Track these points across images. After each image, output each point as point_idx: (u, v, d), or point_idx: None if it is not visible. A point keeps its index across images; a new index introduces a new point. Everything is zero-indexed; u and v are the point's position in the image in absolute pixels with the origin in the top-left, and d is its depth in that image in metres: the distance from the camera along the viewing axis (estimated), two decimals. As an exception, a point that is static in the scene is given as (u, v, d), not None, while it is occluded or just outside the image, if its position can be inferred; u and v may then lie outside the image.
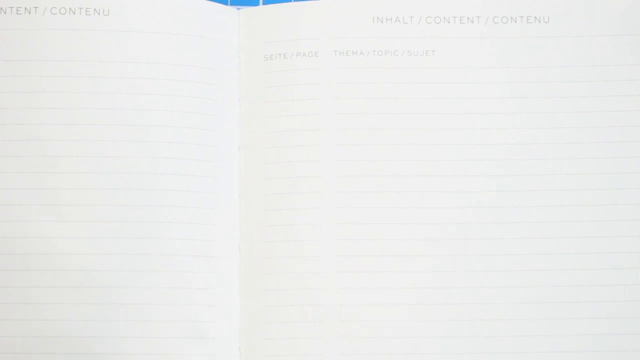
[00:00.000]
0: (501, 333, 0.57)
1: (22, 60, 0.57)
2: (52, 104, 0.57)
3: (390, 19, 0.59)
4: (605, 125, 0.58)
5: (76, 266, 0.55)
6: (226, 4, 0.61)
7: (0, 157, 0.56)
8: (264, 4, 0.61)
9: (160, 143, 0.57)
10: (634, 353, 0.56)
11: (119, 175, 0.56)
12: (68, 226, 0.56)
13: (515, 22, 0.59)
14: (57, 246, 0.55)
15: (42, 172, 0.56)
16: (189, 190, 0.57)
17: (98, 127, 0.57)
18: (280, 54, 0.59)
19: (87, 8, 0.58)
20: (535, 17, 0.59)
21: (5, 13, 0.57)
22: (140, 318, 0.55)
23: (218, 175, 0.58)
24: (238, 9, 0.60)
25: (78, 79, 0.57)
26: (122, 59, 0.57)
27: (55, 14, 0.57)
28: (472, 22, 0.59)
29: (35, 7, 0.57)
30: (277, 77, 0.59)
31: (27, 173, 0.56)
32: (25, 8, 0.57)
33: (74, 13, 0.58)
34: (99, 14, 0.58)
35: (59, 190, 0.56)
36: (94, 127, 0.57)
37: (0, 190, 0.56)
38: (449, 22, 0.59)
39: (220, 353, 0.56)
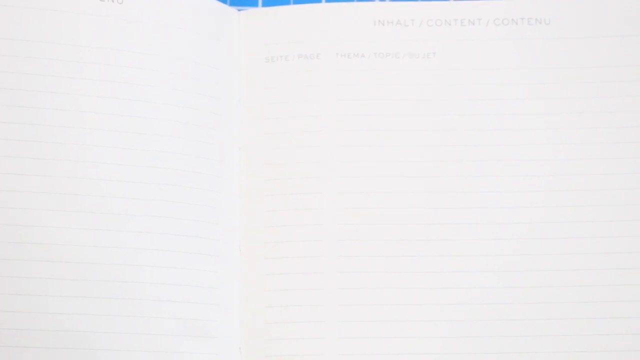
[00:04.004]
0: (503, 333, 0.57)
1: (27, 41, 0.56)
2: (54, 88, 0.56)
3: (392, 22, 0.60)
4: (606, 126, 0.59)
5: (77, 259, 0.55)
6: (226, 4, 0.61)
7: (1, 141, 0.55)
8: (262, 5, 0.61)
9: (163, 137, 0.57)
10: None
11: (120, 167, 0.56)
12: (70, 217, 0.55)
13: (517, 24, 0.59)
14: (56, 238, 0.55)
15: (44, 159, 0.55)
16: (191, 187, 0.57)
17: (100, 115, 0.56)
18: (281, 56, 0.59)
19: None
20: (536, 19, 0.59)
21: None
22: (141, 314, 0.55)
23: (219, 174, 0.58)
24: (239, 9, 0.60)
25: (84, 64, 0.56)
26: (131, 49, 0.57)
27: None
28: (473, 24, 0.59)
29: None
30: (278, 79, 0.59)
31: (30, 159, 0.55)
32: None
33: None
34: (112, 1, 0.57)
35: (61, 179, 0.55)
36: (97, 115, 0.56)
37: (1, 175, 0.55)
38: (449, 25, 0.59)
39: (220, 353, 0.56)
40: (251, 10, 0.60)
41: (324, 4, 0.60)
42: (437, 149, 0.58)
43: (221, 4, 0.60)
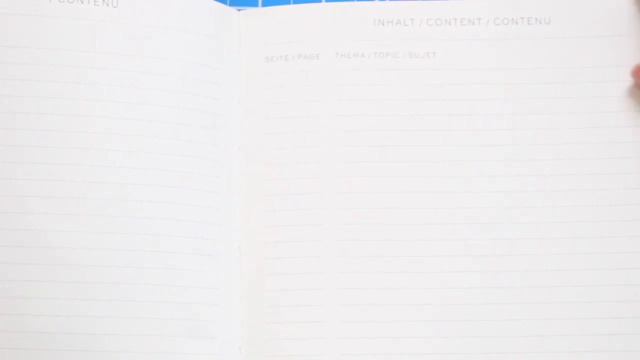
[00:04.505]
0: (501, 333, 0.57)
1: (25, 47, 0.56)
2: (54, 93, 0.56)
3: (392, 21, 0.59)
4: (607, 125, 0.58)
5: (78, 261, 0.55)
6: (225, 4, 0.61)
7: (3, 147, 0.55)
8: (262, 5, 0.61)
9: (163, 137, 0.57)
10: None
11: (120, 169, 0.56)
12: (70, 220, 0.55)
13: (517, 23, 0.59)
14: (59, 240, 0.55)
15: (43, 163, 0.56)
16: (191, 187, 0.57)
17: (99, 118, 0.56)
18: (281, 56, 0.59)
19: None
20: (536, 19, 0.59)
21: None
22: (142, 315, 0.55)
23: (219, 174, 0.58)
24: (239, 9, 0.60)
25: (83, 69, 0.56)
26: (128, 52, 0.57)
27: (63, 1, 0.57)
28: (473, 23, 0.59)
29: None
30: (278, 79, 0.59)
31: (30, 163, 0.55)
32: None
33: (82, 2, 0.57)
34: (107, 5, 0.57)
35: (61, 182, 0.55)
36: (95, 118, 0.56)
37: (4, 180, 0.55)
38: (450, 24, 0.59)
39: (220, 353, 0.56)
40: (251, 10, 0.60)
41: (324, 4, 0.60)
42: (437, 148, 0.58)
43: (221, 4, 0.60)
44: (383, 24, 0.60)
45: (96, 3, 0.57)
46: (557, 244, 0.57)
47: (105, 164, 0.56)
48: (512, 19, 0.59)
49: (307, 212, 0.58)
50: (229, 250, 0.58)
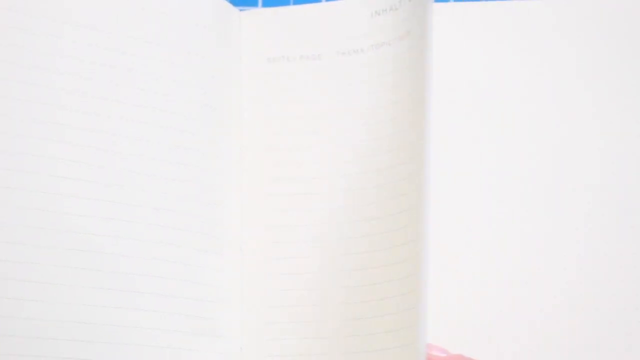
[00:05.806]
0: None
1: (38, 23, 0.56)
2: (61, 85, 0.55)
3: (386, 9, 0.58)
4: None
5: (90, 248, 0.54)
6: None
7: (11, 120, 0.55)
8: (262, 5, 0.61)
9: (164, 136, 0.57)
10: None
11: (124, 159, 0.56)
12: (81, 203, 0.55)
13: None
14: (75, 225, 0.54)
15: (52, 141, 0.55)
16: (192, 187, 0.57)
17: (103, 114, 0.56)
18: (283, 56, 0.59)
19: None
20: None
21: None
22: (146, 308, 0.55)
23: (220, 174, 0.58)
24: (240, 9, 0.60)
25: (86, 64, 0.56)
26: (130, 51, 0.57)
27: None
28: None
29: None
30: (280, 79, 0.59)
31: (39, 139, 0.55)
32: None
33: None
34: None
35: (72, 162, 0.55)
36: (101, 113, 0.56)
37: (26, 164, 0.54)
38: None
39: (223, 352, 0.57)
40: (252, 11, 0.60)
41: (324, 4, 0.60)
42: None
43: (225, 2, 0.60)
44: (379, 14, 0.58)
45: None
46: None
47: (107, 155, 0.56)
48: None
49: (308, 212, 0.57)
50: (230, 250, 0.58)
